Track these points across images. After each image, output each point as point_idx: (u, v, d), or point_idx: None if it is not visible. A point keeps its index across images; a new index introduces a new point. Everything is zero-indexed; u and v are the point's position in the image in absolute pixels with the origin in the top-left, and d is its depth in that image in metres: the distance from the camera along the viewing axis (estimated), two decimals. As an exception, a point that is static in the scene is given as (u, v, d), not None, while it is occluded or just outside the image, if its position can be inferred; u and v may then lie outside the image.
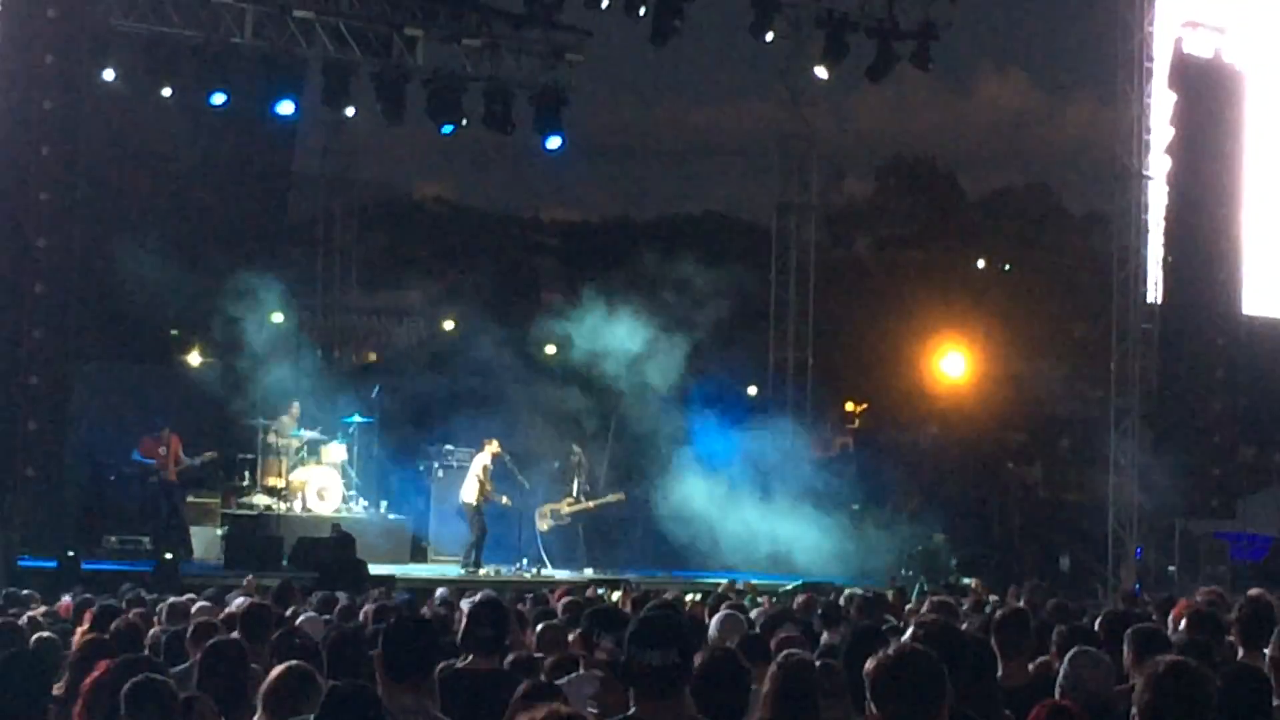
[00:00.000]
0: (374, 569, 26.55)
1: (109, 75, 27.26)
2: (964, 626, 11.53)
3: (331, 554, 26.34)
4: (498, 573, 28.44)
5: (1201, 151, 31.52)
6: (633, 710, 6.76)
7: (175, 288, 30.01)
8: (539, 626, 11.77)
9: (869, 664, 5.99)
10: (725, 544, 34.38)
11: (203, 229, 32.87)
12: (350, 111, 31.06)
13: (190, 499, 29.59)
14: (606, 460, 31.65)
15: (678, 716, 6.72)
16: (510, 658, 9.65)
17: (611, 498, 30.52)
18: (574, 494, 29.99)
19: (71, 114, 22.91)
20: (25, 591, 17.25)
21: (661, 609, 12.29)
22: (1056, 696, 8.59)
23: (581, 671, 8.42)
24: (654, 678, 6.69)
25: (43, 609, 14.51)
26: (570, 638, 10.62)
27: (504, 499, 29.09)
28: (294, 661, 7.76)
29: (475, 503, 28.92)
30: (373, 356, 51.09)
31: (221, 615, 12.96)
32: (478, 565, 28.65)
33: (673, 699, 6.74)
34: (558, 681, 8.57)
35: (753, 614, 14.70)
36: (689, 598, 19.50)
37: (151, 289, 29.71)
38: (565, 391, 32.29)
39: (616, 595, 19.73)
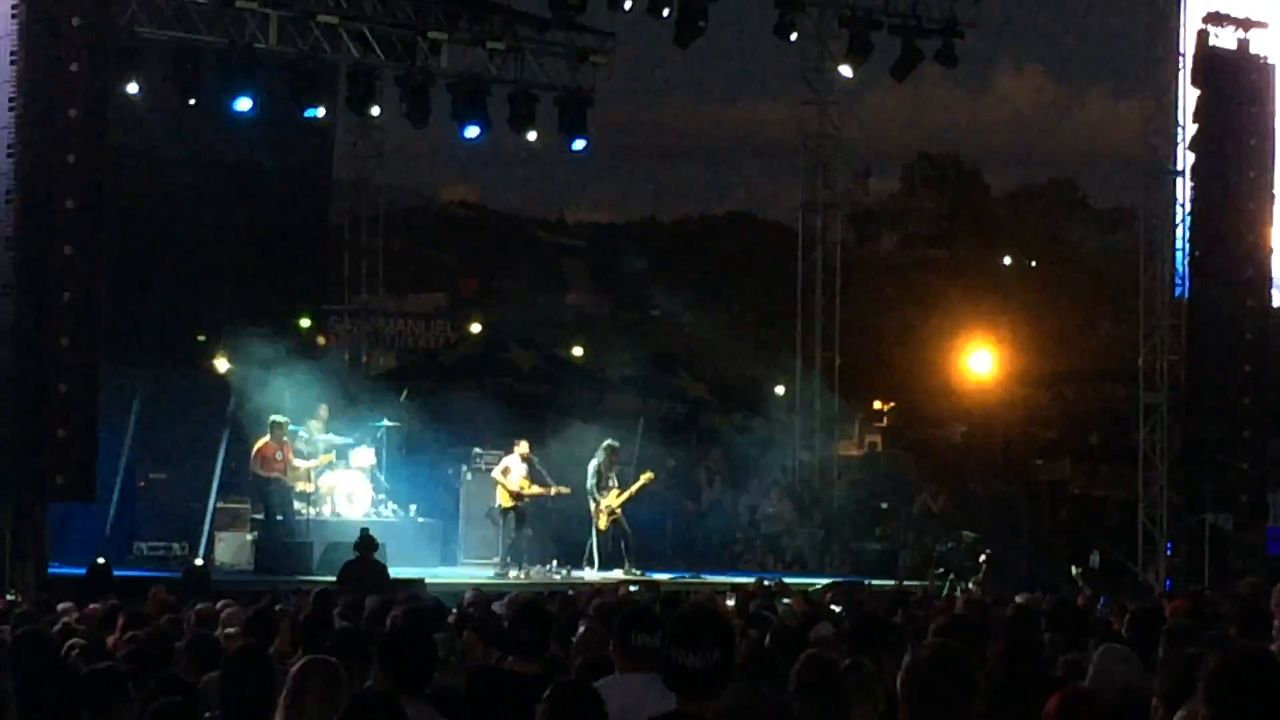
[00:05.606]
0: (404, 572, 26.50)
1: (134, 86, 27.30)
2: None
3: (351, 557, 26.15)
4: (527, 575, 28.42)
5: (1227, 146, 31.36)
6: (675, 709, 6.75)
7: (203, 293, 30.04)
8: (580, 629, 11.73)
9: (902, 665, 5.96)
10: (754, 543, 34.37)
11: (236, 234, 32.89)
12: (376, 111, 31.10)
13: (220, 504, 29.62)
14: (635, 460, 31.55)
15: (718, 714, 6.68)
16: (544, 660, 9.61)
17: (644, 479, 30.15)
18: (617, 486, 29.71)
19: (97, 122, 22.92)
20: (60, 605, 17.25)
21: (701, 609, 12.21)
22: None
23: (617, 674, 8.35)
24: (697, 678, 6.69)
25: (76, 615, 14.52)
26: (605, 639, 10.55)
27: (554, 490, 28.99)
28: (317, 655, 7.75)
29: (502, 505, 28.94)
30: (393, 361, 51.11)
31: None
32: (507, 567, 28.67)
33: (715, 698, 6.72)
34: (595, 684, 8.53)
35: (781, 614, 14.67)
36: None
37: (180, 295, 29.75)
38: (595, 393, 32.20)
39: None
